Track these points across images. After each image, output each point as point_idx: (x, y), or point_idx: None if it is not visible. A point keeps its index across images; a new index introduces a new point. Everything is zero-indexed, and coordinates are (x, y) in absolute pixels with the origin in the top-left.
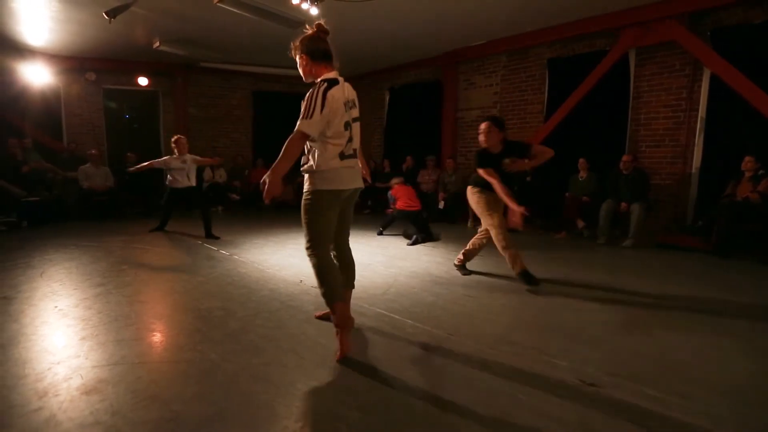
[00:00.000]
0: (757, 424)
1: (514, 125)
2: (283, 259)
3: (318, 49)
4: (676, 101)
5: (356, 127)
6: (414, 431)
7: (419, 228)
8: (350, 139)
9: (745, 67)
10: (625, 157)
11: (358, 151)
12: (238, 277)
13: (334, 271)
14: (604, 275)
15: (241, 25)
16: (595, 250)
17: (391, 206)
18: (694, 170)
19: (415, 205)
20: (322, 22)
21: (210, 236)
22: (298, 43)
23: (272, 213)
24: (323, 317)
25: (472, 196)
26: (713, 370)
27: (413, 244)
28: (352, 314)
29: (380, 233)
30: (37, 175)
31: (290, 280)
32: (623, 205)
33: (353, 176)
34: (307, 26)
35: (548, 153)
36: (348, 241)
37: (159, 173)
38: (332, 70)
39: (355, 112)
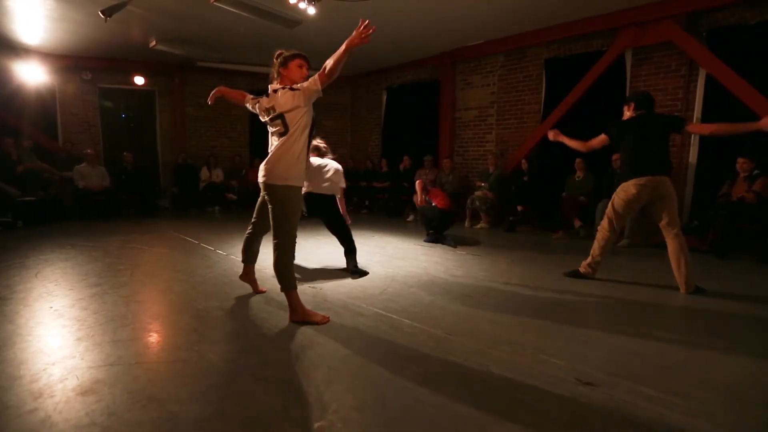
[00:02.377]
0: (754, 423)
1: (511, 125)
2: None
3: None
4: (672, 101)
5: (271, 127)
6: (412, 430)
7: (446, 228)
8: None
9: (740, 67)
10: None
11: (273, 150)
12: (235, 277)
13: (244, 243)
14: (601, 275)
15: (238, 25)
16: None
17: (423, 201)
18: (689, 170)
19: (451, 207)
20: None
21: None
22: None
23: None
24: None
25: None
26: (711, 370)
27: (433, 242)
28: (350, 313)
29: (433, 240)
30: (33, 175)
31: None
32: None
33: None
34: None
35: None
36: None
37: (156, 173)
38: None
39: (270, 115)
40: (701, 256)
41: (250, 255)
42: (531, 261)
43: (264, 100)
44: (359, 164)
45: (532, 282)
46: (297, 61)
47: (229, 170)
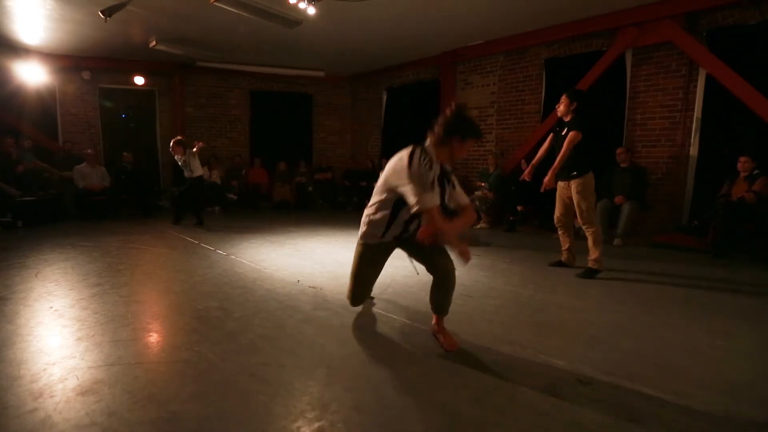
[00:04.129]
0: (753, 422)
1: (511, 125)
2: (280, 259)
3: None
4: (672, 101)
5: None
6: (412, 430)
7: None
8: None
9: (740, 67)
10: (619, 150)
11: None
12: (235, 277)
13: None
14: (601, 275)
15: (238, 25)
16: None
17: None
18: (689, 170)
19: None
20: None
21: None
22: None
23: (269, 213)
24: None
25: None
26: (710, 369)
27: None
28: (350, 313)
29: None
30: (33, 175)
31: (288, 280)
32: (618, 198)
33: None
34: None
35: None
36: None
37: (156, 173)
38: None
39: None
40: (701, 255)
41: (436, 305)
42: (531, 261)
43: None
44: (359, 164)
45: (532, 282)
46: (469, 142)
47: (230, 170)
